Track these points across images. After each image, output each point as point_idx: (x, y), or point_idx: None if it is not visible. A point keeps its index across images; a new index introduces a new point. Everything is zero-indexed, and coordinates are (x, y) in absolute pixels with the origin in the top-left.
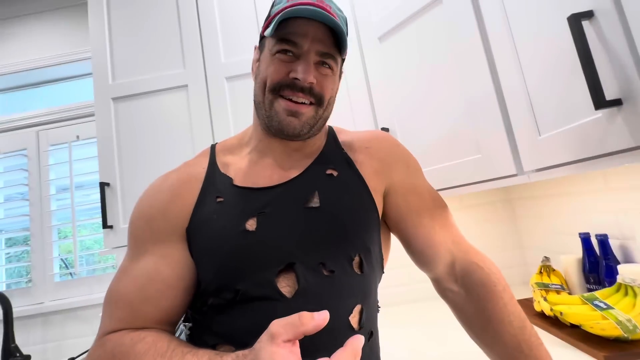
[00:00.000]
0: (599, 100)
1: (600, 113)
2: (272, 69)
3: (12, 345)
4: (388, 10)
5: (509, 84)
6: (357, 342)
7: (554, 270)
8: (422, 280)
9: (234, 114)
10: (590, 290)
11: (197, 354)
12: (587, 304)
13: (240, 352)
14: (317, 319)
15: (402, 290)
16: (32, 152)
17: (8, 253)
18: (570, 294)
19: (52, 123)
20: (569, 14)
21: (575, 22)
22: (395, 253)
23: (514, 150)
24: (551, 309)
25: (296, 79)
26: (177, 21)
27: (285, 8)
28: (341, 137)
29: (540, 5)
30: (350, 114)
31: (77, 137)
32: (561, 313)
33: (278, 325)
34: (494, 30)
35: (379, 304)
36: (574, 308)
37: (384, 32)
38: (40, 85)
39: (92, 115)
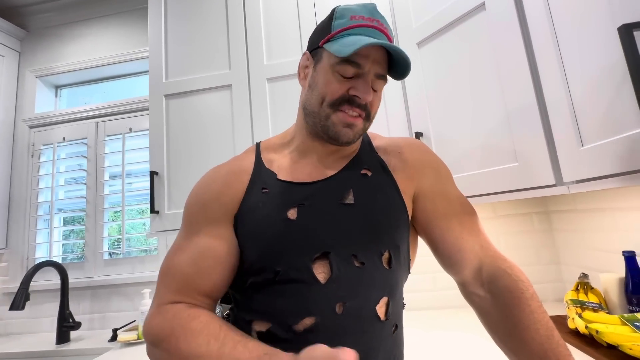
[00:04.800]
0: None
1: None
2: (333, 86)
3: (67, 311)
4: (429, 17)
5: (552, 93)
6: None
7: (592, 288)
8: (447, 288)
9: (273, 112)
10: (632, 312)
11: (247, 345)
12: (627, 324)
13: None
14: None
15: (428, 295)
16: (91, 141)
17: (67, 231)
18: (609, 314)
19: (109, 116)
20: (619, 24)
21: (627, 32)
22: (421, 258)
23: (553, 160)
24: (586, 327)
25: (356, 96)
26: (226, 26)
27: (351, 27)
28: (375, 142)
29: (589, 14)
30: (384, 117)
31: (130, 129)
32: (597, 332)
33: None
34: (539, 39)
35: (404, 302)
36: (611, 327)
37: (422, 37)
38: (101, 81)
39: (144, 110)
